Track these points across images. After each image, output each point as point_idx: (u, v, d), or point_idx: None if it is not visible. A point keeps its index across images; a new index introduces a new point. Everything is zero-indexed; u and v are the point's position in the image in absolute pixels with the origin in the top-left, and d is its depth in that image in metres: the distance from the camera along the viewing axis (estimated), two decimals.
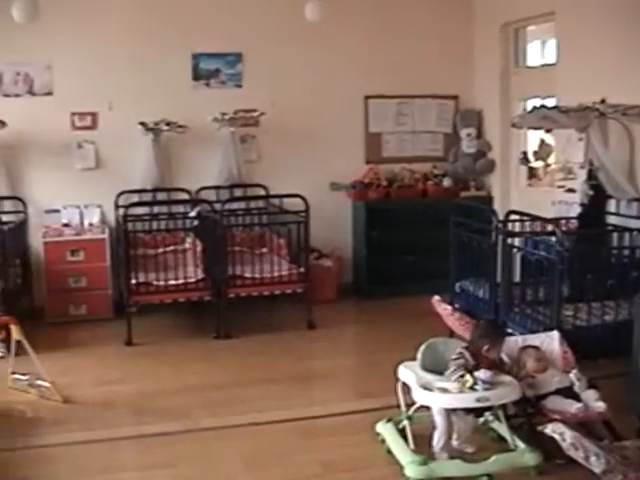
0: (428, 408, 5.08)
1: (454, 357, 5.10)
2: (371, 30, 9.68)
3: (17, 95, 8.96)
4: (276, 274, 8.16)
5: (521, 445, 5.04)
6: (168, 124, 8.89)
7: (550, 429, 4.67)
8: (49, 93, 9.02)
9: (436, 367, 5.18)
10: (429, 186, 9.71)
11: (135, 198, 8.97)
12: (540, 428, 4.78)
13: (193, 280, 7.99)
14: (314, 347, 7.88)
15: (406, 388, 5.22)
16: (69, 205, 9.07)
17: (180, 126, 8.94)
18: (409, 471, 4.87)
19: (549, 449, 4.90)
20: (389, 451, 5.26)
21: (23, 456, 5.51)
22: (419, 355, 5.27)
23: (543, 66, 9.22)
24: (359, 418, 5.96)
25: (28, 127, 8.84)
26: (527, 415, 5.24)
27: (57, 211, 9.06)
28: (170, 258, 8.21)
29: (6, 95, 8.93)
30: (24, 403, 6.46)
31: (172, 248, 8.51)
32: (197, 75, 9.35)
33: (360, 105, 9.85)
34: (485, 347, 5.13)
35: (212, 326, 8.06)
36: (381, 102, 9.91)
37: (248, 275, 8.15)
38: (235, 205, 9.01)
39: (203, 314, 8.38)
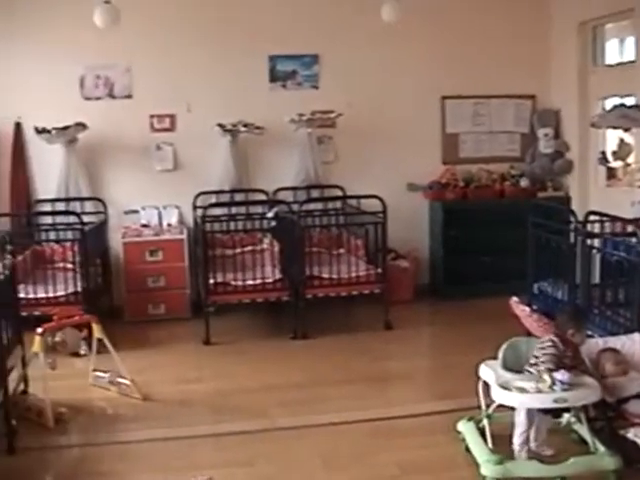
0: (508, 408, 5.04)
1: (546, 345, 5.04)
2: (447, 30, 9.64)
3: (98, 98, 9.13)
4: (353, 275, 8.16)
5: (601, 448, 4.95)
6: (246, 125, 8.97)
7: (632, 433, 4.60)
8: (129, 96, 9.18)
9: (517, 366, 5.13)
10: (506, 187, 9.64)
11: (213, 199, 9.06)
12: (622, 432, 4.71)
13: (271, 280, 8.03)
14: (391, 348, 7.85)
15: (486, 387, 5.19)
16: (148, 206, 9.22)
17: (258, 127, 9.01)
18: (485, 469, 4.85)
19: (630, 454, 4.82)
20: (468, 449, 5.23)
21: (104, 451, 5.63)
22: (500, 354, 5.22)
23: (622, 64, 9.08)
24: (436, 419, 5.95)
25: (108, 129, 9.03)
26: (607, 418, 5.16)
27: (136, 212, 9.21)
28: (248, 258, 8.24)
29: (87, 98, 9.12)
30: (104, 400, 6.59)
31: (250, 248, 8.56)
32: (274, 77, 9.40)
33: (437, 105, 9.81)
34: (570, 332, 5.08)
35: (289, 326, 8.10)
36: (458, 102, 9.86)
37: (325, 276, 8.16)
38: (312, 206, 9.04)
39: (280, 314, 8.44)
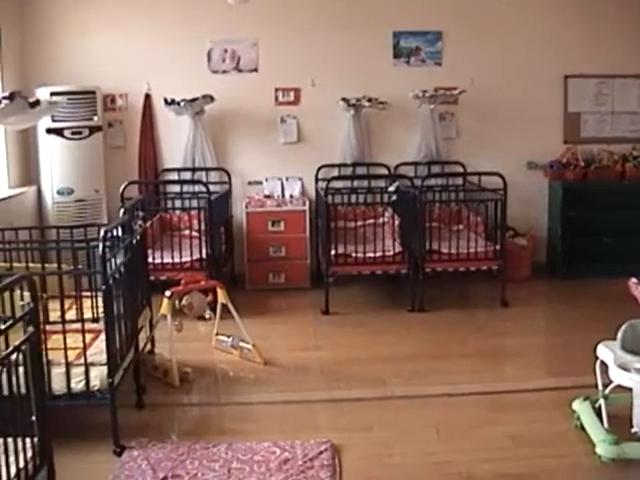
0: (626, 389, 5.07)
1: None
2: (571, 8, 9.52)
3: (224, 72, 9.36)
4: (472, 250, 8.19)
5: None
6: (370, 100, 9.07)
7: None
8: (254, 70, 9.37)
9: (636, 348, 5.13)
10: (628, 168, 9.49)
11: (335, 172, 9.22)
12: None
13: (391, 253, 8.13)
14: (506, 325, 7.87)
15: (604, 367, 5.22)
16: (271, 177, 9.44)
17: (381, 102, 9.10)
18: (600, 449, 4.90)
19: None
20: (582, 428, 5.28)
21: (227, 411, 5.90)
22: (620, 334, 5.22)
23: None
24: (550, 395, 6.01)
25: (234, 102, 9.26)
26: None
27: (260, 183, 9.44)
28: (368, 231, 8.34)
29: (214, 71, 9.35)
30: (226, 362, 6.84)
31: (370, 221, 8.69)
32: (397, 53, 9.47)
33: (559, 84, 9.72)
34: None
35: (406, 299, 8.20)
36: (581, 82, 9.75)
37: (445, 250, 8.23)
38: (432, 181, 9.10)
39: (397, 287, 8.57)
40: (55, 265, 6.31)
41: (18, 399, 3.65)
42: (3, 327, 3.54)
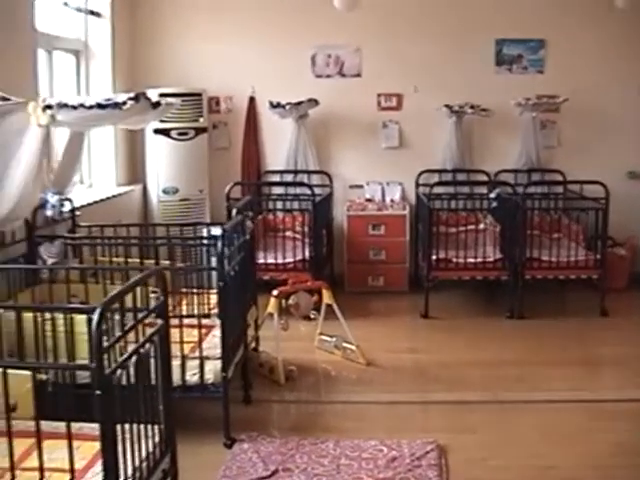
0: None
1: None
2: None
3: (328, 76, 9.50)
4: (572, 259, 8.17)
5: None
6: (472, 107, 9.12)
7: None
8: (358, 75, 9.50)
9: None
10: None
11: (435, 177, 9.26)
12: None
13: (491, 259, 8.18)
14: (606, 334, 7.83)
15: None
16: (372, 181, 9.54)
17: (483, 109, 9.15)
18: None
19: None
20: None
21: (331, 409, 6.06)
22: None
23: None
24: None
25: (337, 106, 9.39)
26: None
27: (360, 187, 9.56)
28: (469, 237, 8.42)
29: (318, 76, 9.49)
30: (329, 362, 6.97)
31: (471, 227, 8.73)
32: (500, 60, 9.48)
33: None
34: None
35: (504, 305, 8.23)
36: None
37: (545, 258, 8.22)
38: (532, 189, 9.10)
39: (495, 293, 8.59)
40: (157, 261, 6.47)
41: (148, 388, 3.81)
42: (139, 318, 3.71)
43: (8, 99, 4.73)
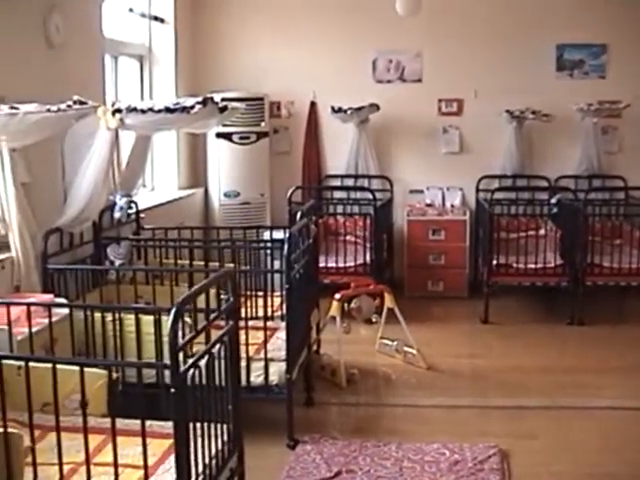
0: None
1: None
2: None
3: (389, 81, 9.54)
4: (633, 265, 8.11)
5: None
6: (534, 113, 9.09)
7: None
8: (418, 80, 9.53)
9: None
10: None
11: (495, 183, 9.27)
12: None
13: (552, 265, 8.16)
14: None
15: None
16: (432, 186, 9.56)
17: (545, 115, 9.12)
18: None
19: None
20: None
21: (392, 412, 6.13)
22: None
23: None
24: None
25: (397, 111, 9.43)
26: None
27: (421, 192, 9.58)
28: (529, 242, 8.42)
29: (379, 81, 9.55)
30: (389, 366, 7.01)
31: (531, 233, 8.72)
32: (561, 65, 9.45)
33: None
34: None
35: (565, 312, 8.19)
36: None
37: (606, 264, 8.17)
38: (593, 195, 9.04)
39: (555, 299, 8.55)
40: (221, 264, 6.56)
41: (219, 388, 3.88)
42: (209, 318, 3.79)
43: (85, 102, 4.83)
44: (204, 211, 9.22)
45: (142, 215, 7.05)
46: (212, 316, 3.84)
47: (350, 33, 9.38)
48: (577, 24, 9.34)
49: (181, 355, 3.39)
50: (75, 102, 4.75)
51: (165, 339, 4.62)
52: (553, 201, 8.48)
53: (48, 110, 4.49)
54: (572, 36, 9.38)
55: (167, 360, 3.33)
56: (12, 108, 4.42)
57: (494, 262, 8.20)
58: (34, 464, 3.54)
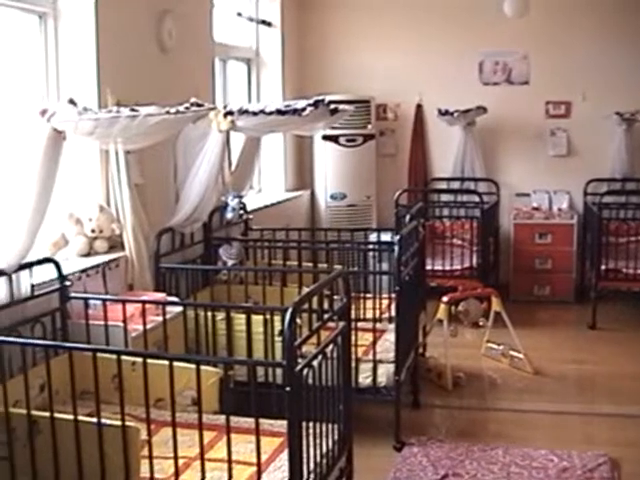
0: None
1: None
2: None
3: (495, 83, 9.49)
4: None
5: None
6: None
7: None
8: (525, 82, 9.45)
9: None
10: None
11: (604, 187, 9.11)
12: None
13: None
14: None
15: None
16: (539, 190, 9.45)
17: None
18: None
19: None
20: None
21: (499, 416, 6.10)
22: None
23: None
24: None
25: (504, 114, 9.36)
26: None
27: (527, 195, 9.49)
28: (639, 247, 8.22)
29: (485, 83, 9.50)
30: (495, 370, 6.97)
31: None
32: None
33: None
34: None
35: None
36: None
37: None
38: None
39: None
40: (330, 265, 6.61)
41: (330, 388, 3.92)
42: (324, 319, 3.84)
43: (201, 105, 4.93)
44: (310, 213, 9.30)
45: (250, 216, 7.14)
46: (325, 317, 3.88)
47: (456, 34, 9.35)
48: None
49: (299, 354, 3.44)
50: (192, 104, 4.84)
51: (275, 339, 4.74)
52: None
53: (167, 112, 4.57)
54: None
55: (278, 359, 3.39)
56: (132, 110, 4.51)
57: (602, 267, 8.09)
58: (150, 457, 3.64)
